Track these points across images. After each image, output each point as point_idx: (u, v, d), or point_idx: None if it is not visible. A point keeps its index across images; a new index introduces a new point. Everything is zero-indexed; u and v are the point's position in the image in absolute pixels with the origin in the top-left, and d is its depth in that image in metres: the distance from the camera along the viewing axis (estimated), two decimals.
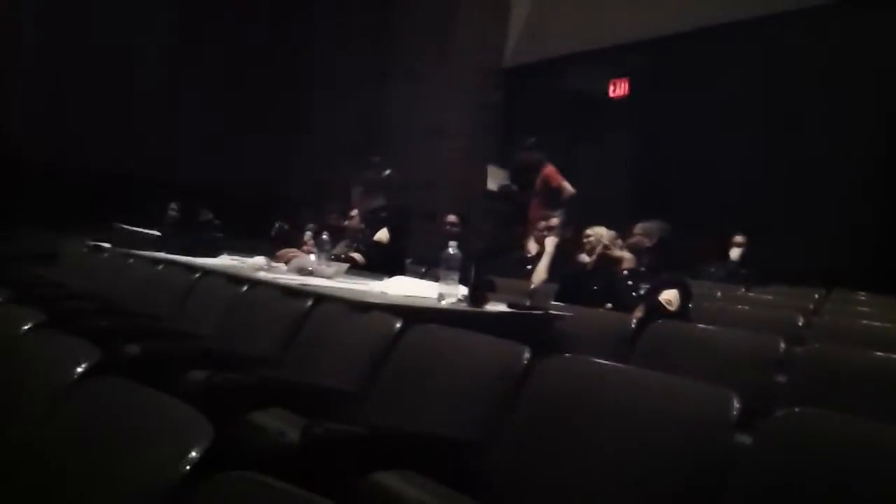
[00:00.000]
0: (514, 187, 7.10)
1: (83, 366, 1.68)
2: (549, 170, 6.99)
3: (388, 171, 5.32)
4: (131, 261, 4.97)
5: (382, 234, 5.00)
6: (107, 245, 5.47)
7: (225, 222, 8.57)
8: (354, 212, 5.42)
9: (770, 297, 5.53)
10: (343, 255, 4.91)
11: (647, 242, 4.22)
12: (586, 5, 9.12)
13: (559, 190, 6.84)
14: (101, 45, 10.51)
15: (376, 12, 11.48)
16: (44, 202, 8.91)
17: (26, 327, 2.12)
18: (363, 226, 5.21)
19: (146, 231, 5.38)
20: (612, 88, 9.03)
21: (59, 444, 1.46)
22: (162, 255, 4.89)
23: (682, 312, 3.87)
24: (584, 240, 4.78)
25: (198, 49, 11.29)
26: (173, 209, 8.83)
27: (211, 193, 9.15)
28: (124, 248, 5.18)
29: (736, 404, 1.81)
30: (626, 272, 4.29)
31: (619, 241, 4.59)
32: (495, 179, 7.43)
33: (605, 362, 2.29)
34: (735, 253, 7.04)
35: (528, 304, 3.56)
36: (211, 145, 10.79)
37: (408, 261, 6.50)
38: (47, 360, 1.84)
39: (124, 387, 1.55)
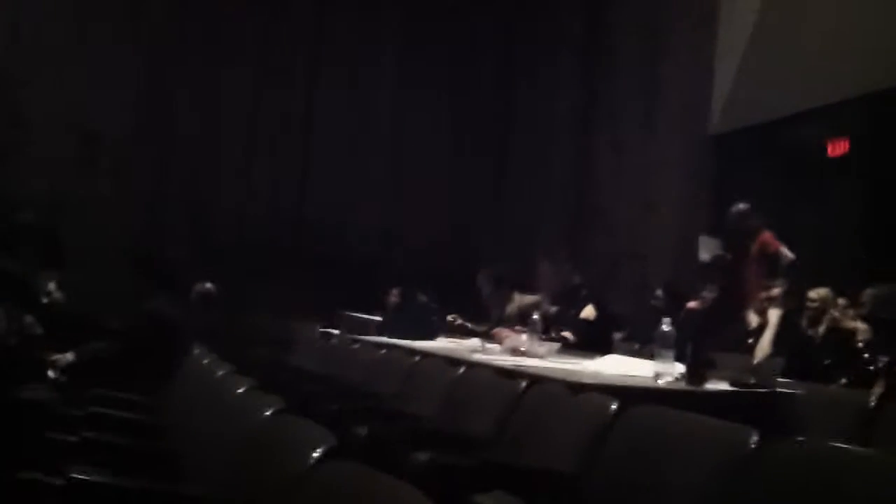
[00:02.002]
0: (729, 256, 6.81)
1: (319, 450, 1.80)
2: (767, 235, 6.67)
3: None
4: (357, 346, 5.27)
5: (589, 311, 5.00)
6: (335, 331, 5.83)
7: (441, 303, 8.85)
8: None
9: None
10: (555, 335, 4.93)
11: (874, 308, 3.92)
12: (794, 64, 8.76)
13: (776, 256, 6.49)
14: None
15: (579, 83, 11.59)
16: (280, 288, 9.62)
17: (268, 413, 2.32)
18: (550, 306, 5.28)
19: (369, 317, 5.69)
20: (830, 148, 8.54)
21: None
22: (385, 339, 5.14)
23: None
24: (808, 304, 4.50)
25: (421, 134, 11.86)
26: (394, 295, 9.25)
27: (428, 276, 9.51)
28: (351, 334, 5.51)
29: None
30: (860, 344, 3.98)
31: (851, 311, 4.29)
32: (707, 249, 7.18)
33: (843, 446, 2.13)
34: None
35: (751, 381, 3.39)
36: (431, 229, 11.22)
37: (618, 336, 6.40)
38: (288, 444, 2.00)
39: (356, 471, 1.66)
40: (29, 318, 4.23)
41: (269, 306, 9.08)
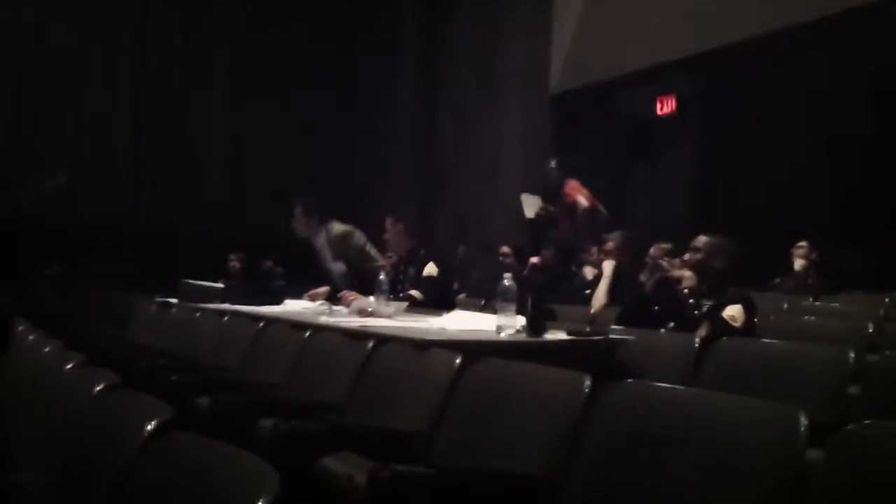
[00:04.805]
0: (552, 209, 7.06)
1: (153, 423, 1.73)
2: (569, 186, 6.95)
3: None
4: (198, 314, 5.10)
5: (431, 269, 5.05)
6: (174, 301, 5.62)
7: (287, 269, 8.72)
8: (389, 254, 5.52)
9: (838, 306, 5.38)
10: (402, 294, 4.96)
11: (700, 256, 4.15)
12: (627, 26, 9.12)
13: (574, 205, 6.79)
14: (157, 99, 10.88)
15: (420, 46, 11.62)
16: (111, 262, 9.22)
17: (99, 388, 2.20)
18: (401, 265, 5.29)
19: (211, 284, 5.51)
20: (659, 107, 8.99)
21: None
22: (227, 306, 5.00)
23: (748, 328, 3.79)
24: (646, 258, 4.73)
25: (258, 102, 11.59)
26: (234, 260, 9.04)
27: (270, 242, 9.34)
28: (191, 303, 5.32)
29: (804, 420, 1.78)
30: (686, 291, 4.23)
31: (678, 260, 4.53)
32: (530, 207, 7.42)
33: (670, 386, 2.27)
34: (799, 262, 6.85)
35: (588, 330, 3.54)
36: (269, 195, 11.03)
37: (462, 295, 6.52)
38: (120, 419, 1.91)
39: (193, 442, 1.60)
40: None
41: (107, 282, 8.68)
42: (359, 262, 5.58)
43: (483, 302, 5.65)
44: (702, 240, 4.18)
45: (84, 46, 10.62)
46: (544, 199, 7.24)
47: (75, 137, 10.51)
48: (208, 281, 5.66)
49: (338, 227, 5.62)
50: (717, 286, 4.06)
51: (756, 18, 7.69)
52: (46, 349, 3.08)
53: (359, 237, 5.66)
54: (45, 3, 10.41)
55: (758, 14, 7.68)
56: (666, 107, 8.90)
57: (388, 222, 5.25)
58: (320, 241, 5.65)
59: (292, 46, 11.88)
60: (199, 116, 11.19)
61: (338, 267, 5.62)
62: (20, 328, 3.72)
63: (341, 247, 5.60)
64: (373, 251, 5.63)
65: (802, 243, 6.85)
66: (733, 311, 3.81)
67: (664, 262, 4.45)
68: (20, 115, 10.23)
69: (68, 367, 2.60)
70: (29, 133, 10.22)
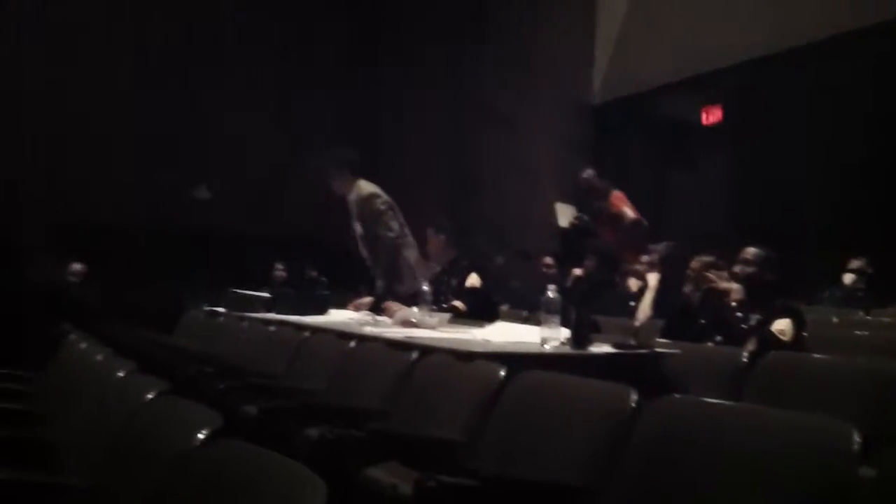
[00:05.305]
0: (586, 218, 6.98)
1: (204, 431, 1.76)
2: (615, 196, 6.87)
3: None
4: (245, 323, 5.17)
5: (474, 279, 5.04)
6: (222, 309, 5.70)
7: (330, 278, 8.79)
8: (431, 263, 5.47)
9: (889, 320, 5.27)
10: (445, 305, 4.96)
11: (752, 269, 4.09)
12: (669, 35, 9.05)
13: (621, 216, 6.70)
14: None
15: (461, 53, 11.61)
16: (160, 268, 9.37)
17: (150, 395, 2.25)
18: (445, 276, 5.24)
19: (257, 294, 5.58)
20: (704, 116, 8.90)
21: None
22: (273, 315, 5.06)
23: (797, 342, 3.73)
24: (689, 271, 4.67)
25: (298, 115, 11.69)
26: (280, 270, 9.14)
27: (316, 251, 9.42)
28: (238, 312, 5.39)
29: (856, 436, 1.75)
30: (734, 303, 4.17)
31: (725, 272, 4.48)
32: (564, 216, 7.35)
33: (717, 401, 2.24)
34: (850, 275, 6.72)
35: (632, 343, 3.51)
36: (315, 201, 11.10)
37: (505, 306, 6.50)
38: (172, 426, 1.94)
39: (242, 450, 1.63)
40: None
41: (150, 287, 8.84)
42: (372, 226, 5.26)
43: (525, 313, 5.63)
44: (751, 252, 4.13)
45: (129, 47, 10.80)
46: (579, 209, 7.17)
47: (129, 142, 10.69)
48: (252, 288, 5.73)
49: (364, 186, 5.32)
50: (765, 299, 4.00)
51: (803, 26, 7.59)
52: (98, 357, 3.15)
53: (381, 203, 5.30)
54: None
55: (805, 21, 7.58)
56: (711, 116, 8.81)
57: (430, 233, 5.23)
58: (352, 197, 5.35)
59: (326, 49, 11.96)
60: (243, 124, 11.31)
61: (357, 228, 5.37)
62: (71, 336, 3.82)
63: (362, 207, 5.30)
64: (391, 222, 5.27)
65: (859, 258, 6.70)
66: (782, 325, 3.76)
67: (710, 275, 4.39)
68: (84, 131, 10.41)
69: (120, 374, 2.65)
70: (89, 141, 10.41)
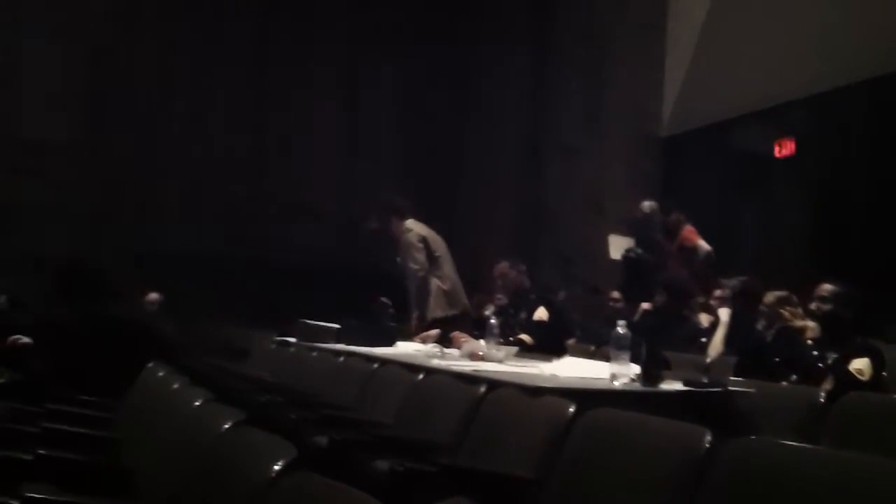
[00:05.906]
0: (639, 251, 6.88)
1: (281, 462, 1.80)
2: (688, 230, 6.77)
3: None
4: (315, 354, 5.25)
5: (542, 313, 5.05)
6: (292, 339, 5.80)
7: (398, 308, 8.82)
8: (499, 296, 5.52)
9: None
10: (512, 338, 4.97)
11: (830, 307, 4.00)
12: (741, 66, 8.94)
13: (695, 250, 6.59)
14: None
15: (529, 84, 11.65)
16: (233, 298, 9.55)
17: (227, 425, 2.30)
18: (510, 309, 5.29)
19: (327, 325, 5.66)
20: (777, 149, 8.74)
21: None
22: (342, 346, 5.13)
23: (876, 383, 3.62)
24: (762, 306, 4.58)
25: (372, 139, 11.85)
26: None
27: (384, 282, 9.46)
28: (308, 342, 5.48)
29: None
30: (810, 341, 4.08)
31: (800, 309, 4.38)
32: (617, 248, 7.26)
33: (795, 444, 2.19)
34: None
35: (704, 380, 3.46)
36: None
37: (572, 340, 6.45)
38: (248, 456, 1.99)
39: (317, 482, 1.67)
40: None
41: (223, 316, 9.02)
42: (403, 259, 5.59)
43: (593, 348, 5.58)
44: (827, 288, 4.04)
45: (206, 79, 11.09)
46: (637, 241, 7.09)
47: (198, 169, 10.94)
48: (323, 319, 5.81)
49: (407, 225, 5.62)
50: (842, 337, 3.90)
51: (877, 57, 7.42)
52: (175, 385, 3.24)
53: (412, 236, 5.57)
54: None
55: (880, 53, 7.41)
56: (784, 149, 8.65)
57: (503, 266, 5.28)
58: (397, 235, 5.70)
59: (404, 78, 12.10)
60: (312, 151, 11.50)
61: (399, 261, 5.68)
62: (150, 364, 3.93)
63: (398, 242, 5.64)
64: (417, 255, 5.52)
65: None
66: (860, 364, 3.65)
67: (785, 312, 4.30)
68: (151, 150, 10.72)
69: (196, 403, 2.73)
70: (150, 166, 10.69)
